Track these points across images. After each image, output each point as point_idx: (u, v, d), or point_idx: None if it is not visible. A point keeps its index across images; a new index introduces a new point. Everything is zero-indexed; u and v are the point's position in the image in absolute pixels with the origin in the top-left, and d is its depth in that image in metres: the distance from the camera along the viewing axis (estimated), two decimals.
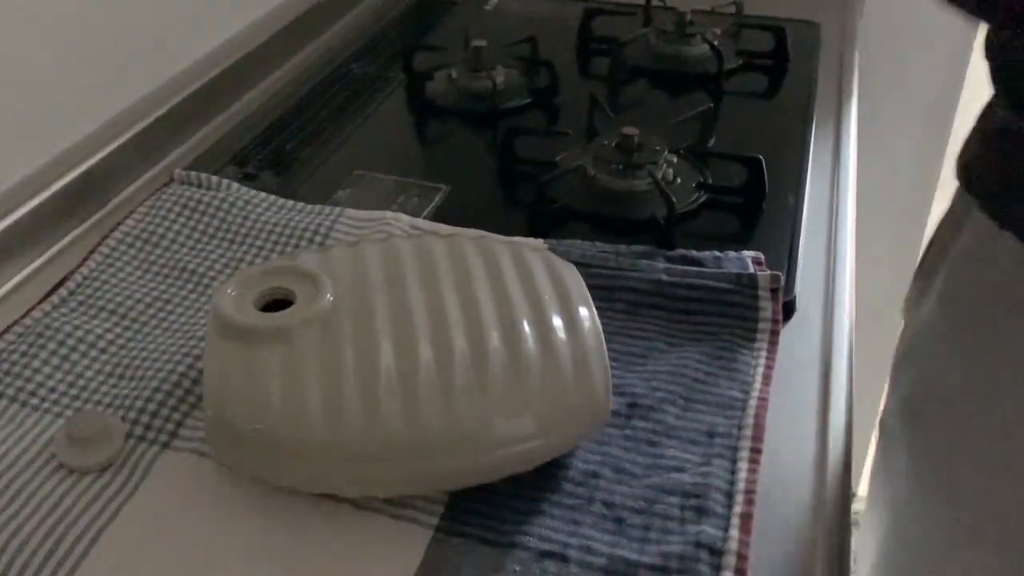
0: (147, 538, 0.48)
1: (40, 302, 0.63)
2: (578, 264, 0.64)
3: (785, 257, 0.67)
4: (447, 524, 0.49)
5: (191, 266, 0.67)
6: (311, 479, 0.48)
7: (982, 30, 0.53)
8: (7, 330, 0.60)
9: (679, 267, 0.63)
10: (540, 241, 0.67)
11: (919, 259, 0.64)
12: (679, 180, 0.74)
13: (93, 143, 0.76)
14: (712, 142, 0.82)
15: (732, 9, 1.03)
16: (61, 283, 0.65)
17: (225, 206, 0.71)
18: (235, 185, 0.74)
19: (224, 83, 0.89)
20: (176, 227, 0.70)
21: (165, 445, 0.53)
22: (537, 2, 1.13)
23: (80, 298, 0.63)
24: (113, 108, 0.79)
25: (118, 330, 0.61)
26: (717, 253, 0.65)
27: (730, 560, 0.46)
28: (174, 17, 0.85)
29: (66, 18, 0.73)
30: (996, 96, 0.55)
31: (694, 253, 0.65)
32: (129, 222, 0.70)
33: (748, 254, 0.65)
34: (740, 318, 0.60)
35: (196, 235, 0.70)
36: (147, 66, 0.83)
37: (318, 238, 0.68)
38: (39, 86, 0.71)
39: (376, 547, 0.48)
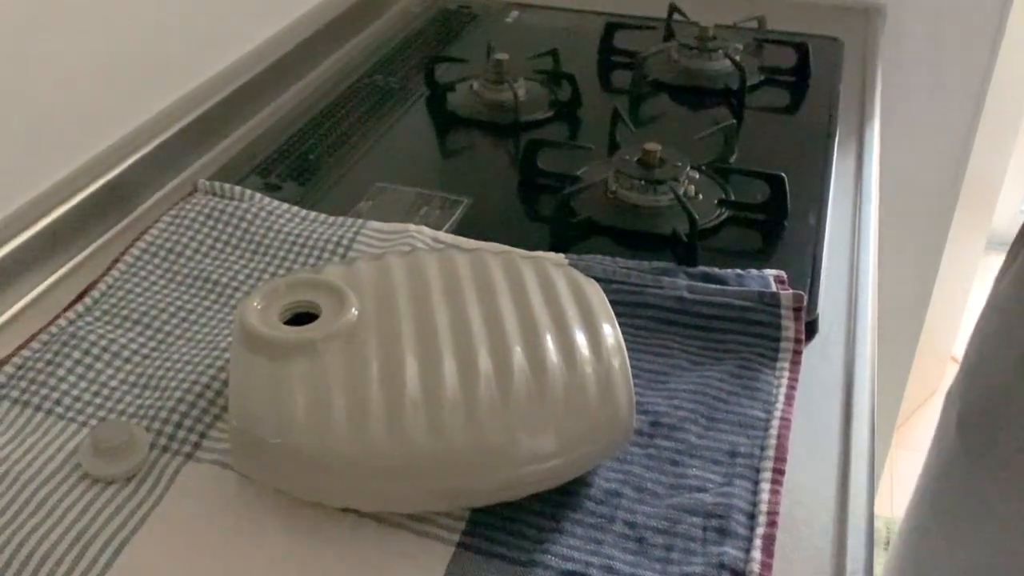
0: (171, 549, 0.48)
1: (64, 311, 0.63)
2: (599, 280, 0.64)
3: (808, 276, 0.66)
4: (468, 540, 0.49)
5: (214, 276, 0.67)
6: (334, 493, 0.48)
7: (1005, 44, 0.54)
8: (32, 339, 0.61)
9: (701, 284, 0.63)
10: (561, 256, 0.67)
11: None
12: (701, 196, 0.74)
13: (117, 153, 0.76)
14: (734, 158, 0.82)
15: (755, 24, 1.03)
16: (85, 292, 0.65)
17: (248, 217, 0.71)
18: (258, 196, 0.74)
19: (247, 94, 0.89)
20: (200, 237, 0.70)
21: (189, 456, 0.53)
22: (558, 15, 1.13)
23: (104, 307, 0.64)
24: (137, 118, 0.80)
25: (142, 340, 0.61)
26: (739, 271, 0.65)
27: None
28: (197, 28, 0.85)
29: (90, 31, 0.73)
30: None
31: (716, 271, 0.65)
32: (153, 232, 0.70)
33: (770, 272, 0.65)
34: (762, 337, 0.60)
35: (219, 245, 0.70)
36: (171, 77, 0.84)
37: (340, 250, 0.69)
38: (63, 97, 0.72)
39: (397, 562, 0.48)
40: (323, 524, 0.49)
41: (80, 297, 0.65)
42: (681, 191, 0.72)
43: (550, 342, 0.50)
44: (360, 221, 0.71)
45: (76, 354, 0.59)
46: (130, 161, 0.76)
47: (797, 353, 0.60)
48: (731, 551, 0.47)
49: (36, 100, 0.69)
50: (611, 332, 0.52)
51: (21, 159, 0.69)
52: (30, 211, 0.69)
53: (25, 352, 0.59)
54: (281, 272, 0.68)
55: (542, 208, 0.76)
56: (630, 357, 0.60)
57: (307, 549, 0.48)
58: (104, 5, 0.74)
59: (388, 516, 0.50)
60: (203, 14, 0.86)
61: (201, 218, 0.72)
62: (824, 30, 1.07)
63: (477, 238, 0.69)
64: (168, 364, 0.59)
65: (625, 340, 0.61)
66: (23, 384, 0.57)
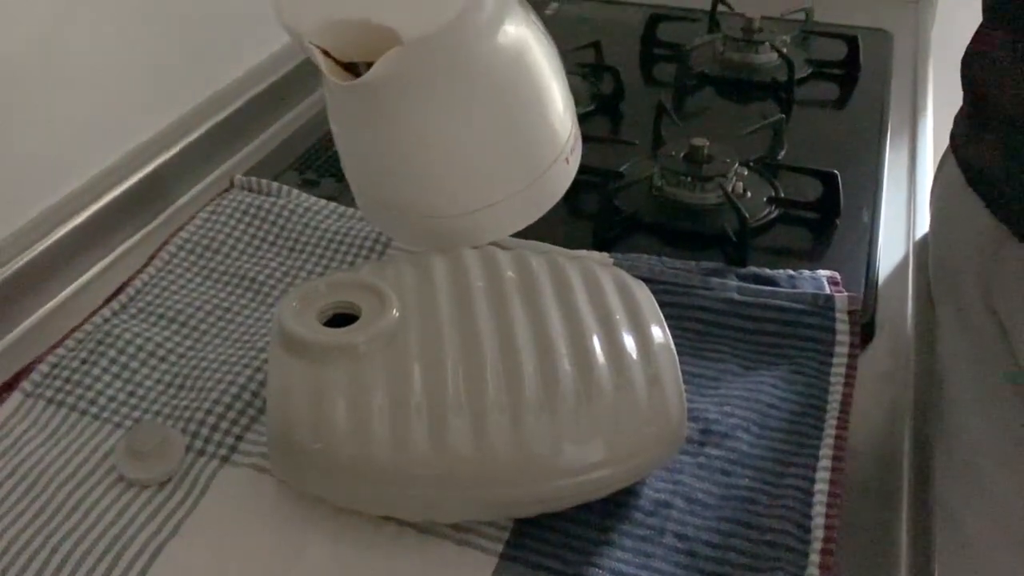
0: (207, 555, 0.47)
1: (100, 308, 0.62)
2: (645, 280, 0.62)
3: (862, 277, 0.64)
4: (512, 552, 0.47)
5: (251, 274, 0.66)
6: (374, 501, 0.47)
7: None
8: (66, 337, 0.60)
9: (752, 286, 0.61)
10: (606, 255, 0.65)
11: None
12: (749, 193, 0.72)
13: (152, 148, 0.75)
14: (782, 154, 0.79)
15: (801, 16, 1.00)
16: (120, 289, 0.64)
17: (286, 213, 0.70)
18: (295, 191, 0.73)
19: (284, 88, 0.88)
20: (236, 234, 0.69)
21: (225, 459, 0.52)
22: (599, 6, 1.11)
23: (139, 305, 0.63)
24: (173, 113, 0.79)
25: (177, 339, 0.60)
26: (791, 272, 0.62)
27: None
28: (234, 22, 0.84)
29: (128, 24, 0.72)
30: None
31: (767, 271, 0.63)
32: (189, 228, 0.69)
33: (824, 273, 0.62)
34: (816, 341, 0.58)
35: (256, 242, 0.69)
36: (207, 71, 0.82)
37: (379, 247, 0.67)
38: (100, 92, 0.71)
39: (439, 573, 0.46)
40: (363, 532, 0.48)
41: (115, 294, 0.64)
42: (730, 188, 0.70)
43: (597, 346, 0.48)
44: None
45: (111, 353, 0.58)
46: (166, 156, 0.75)
47: (853, 358, 0.57)
48: (787, 567, 0.45)
49: (71, 95, 0.68)
50: (661, 335, 0.50)
51: (56, 155, 0.68)
52: (64, 207, 0.68)
53: (59, 351, 0.58)
54: (318, 270, 0.66)
55: (584, 205, 0.74)
56: (679, 361, 0.58)
57: (346, 558, 0.47)
58: (140, 0, 0.73)
59: (430, 525, 0.48)
60: (240, 7, 0.84)
61: (238, 214, 0.70)
62: (873, 22, 1.04)
63: (517, 235, 0.67)
64: (204, 364, 0.58)
65: (673, 343, 0.59)
66: (57, 384, 0.56)
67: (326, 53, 0.47)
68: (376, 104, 0.49)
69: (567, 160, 0.56)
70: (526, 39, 0.52)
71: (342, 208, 0.71)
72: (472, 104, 0.51)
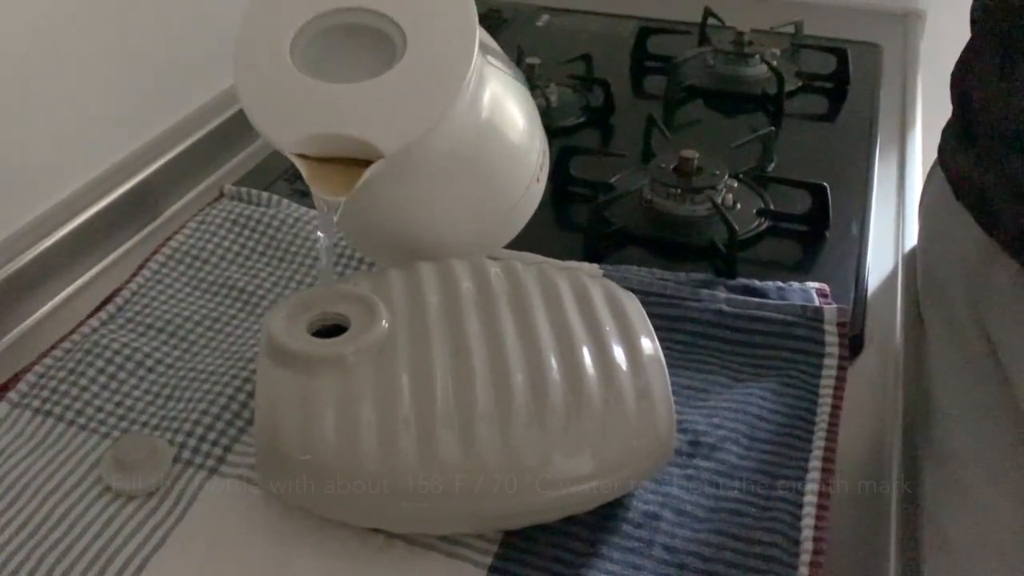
0: (194, 567, 0.47)
1: (88, 317, 0.62)
2: (635, 292, 0.62)
3: (851, 289, 0.64)
4: (501, 564, 0.47)
5: (240, 284, 0.66)
6: (362, 513, 0.47)
7: None
8: (54, 347, 0.59)
9: (741, 298, 0.61)
10: (596, 267, 0.65)
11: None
12: (739, 206, 0.72)
13: (143, 158, 0.75)
14: (772, 166, 0.79)
15: (791, 29, 1.01)
16: (109, 299, 0.64)
17: (275, 223, 0.70)
18: (285, 201, 0.73)
19: None
20: (226, 244, 0.69)
21: (213, 471, 0.52)
22: (590, 19, 1.12)
23: (128, 314, 0.63)
24: (163, 122, 0.79)
25: (166, 348, 0.60)
26: (780, 284, 0.63)
27: None
28: (226, 31, 0.84)
29: (119, 32, 0.72)
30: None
31: (756, 283, 0.63)
32: (179, 237, 0.69)
33: (813, 285, 0.63)
34: (805, 353, 0.58)
35: (246, 252, 0.69)
36: (198, 80, 0.82)
37: (368, 258, 0.67)
38: (90, 100, 0.71)
39: None
40: (351, 544, 0.48)
41: (104, 304, 0.63)
42: (719, 200, 0.70)
43: (587, 357, 0.48)
44: None
45: (99, 363, 0.58)
46: (156, 165, 0.75)
47: (842, 370, 0.57)
48: None
49: (61, 103, 0.68)
50: (650, 347, 0.50)
51: (45, 163, 0.68)
52: (54, 216, 0.68)
53: (47, 360, 0.58)
54: (308, 280, 0.66)
55: (575, 217, 0.74)
56: (668, 373, 0.58)
57: (334, 570, 0.46)
58: (131, 9, 0.73)
59: (418, 538, 0.48)
60: (232, 17, 0.84)
61: (227, 224, 0.70)
62: (863, 35, 1.04)
63: (508, 247, 0.67)
64: (192, 374, 0.58)
65: (663, 355, 0.59)
66: (44, 394, 0.56)
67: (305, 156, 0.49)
68: (360, 194, 0.50)
69: (538, 179, 0.59)
70: (496, 93, 0.53)
71: None
72: (454, 171, 0.53)
